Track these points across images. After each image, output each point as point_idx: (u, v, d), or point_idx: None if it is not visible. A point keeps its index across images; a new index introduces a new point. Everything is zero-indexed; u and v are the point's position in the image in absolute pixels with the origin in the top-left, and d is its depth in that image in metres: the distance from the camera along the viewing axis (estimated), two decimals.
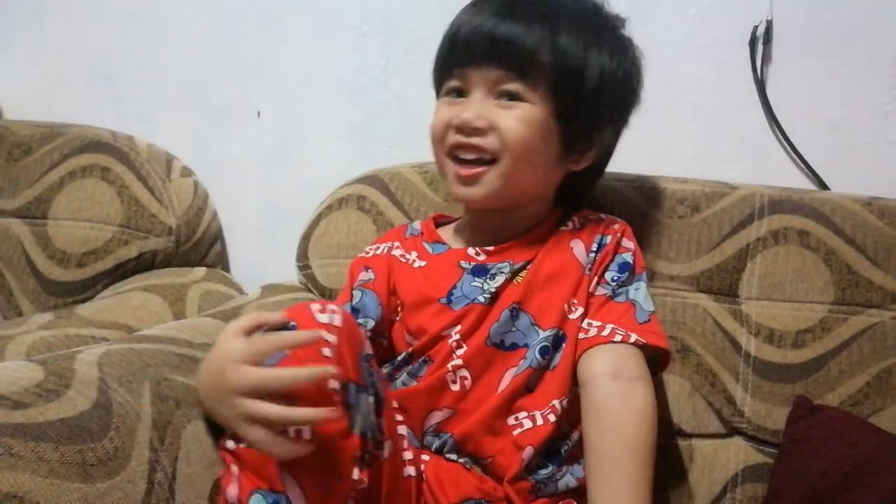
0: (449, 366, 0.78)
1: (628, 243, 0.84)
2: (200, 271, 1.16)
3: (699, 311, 0.92)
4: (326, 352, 0.62)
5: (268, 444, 0.60)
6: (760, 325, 0.90)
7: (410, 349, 0.81)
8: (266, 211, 1.27)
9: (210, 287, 1.13)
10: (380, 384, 0.69)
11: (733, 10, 1.06)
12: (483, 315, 0.79)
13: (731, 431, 0.90)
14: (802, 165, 1.06)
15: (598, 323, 0.78)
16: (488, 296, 0.79)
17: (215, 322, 0.88)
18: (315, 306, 0.65)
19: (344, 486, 0.63)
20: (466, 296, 0.80)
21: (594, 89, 0.80)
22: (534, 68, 0.78)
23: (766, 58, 1.05)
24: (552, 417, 0.76)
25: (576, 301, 0.80)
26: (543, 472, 0.76)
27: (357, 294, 0.85)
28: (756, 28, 1.05)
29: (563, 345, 0.78)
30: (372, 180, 1.05)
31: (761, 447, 0.89)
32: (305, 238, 1.05)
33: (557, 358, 0.78)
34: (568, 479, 0.77)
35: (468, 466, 0.77)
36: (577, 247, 0.82)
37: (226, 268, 1.29)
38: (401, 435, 0.75)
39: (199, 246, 1.19)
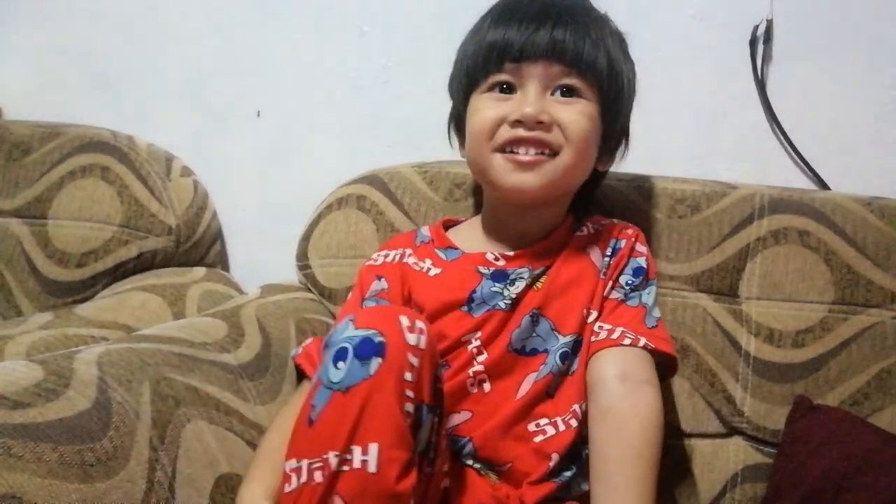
0: (470, 371, 0.78)
1: (642, 248, 0.85)
2: (200, 271, 1.16)
3: (699, 311, 0.92)
4: (408, 377, 0.62)
5: None
6: (760, 324, 0.90)
7: None
8: (266, 211, 1.27)
9: (210, 287, 1.12)
10: (444, 400, 0.69)
11: (733, 10, 1.06)
12: (504, 321, 0.79)
13: (731, 431, 0.90)
14: (803, 165, 1.06)
15: (609, 326, 0.79)
16: (509, 301, 0.80)
17: (215, 322, 0.88)
18: (405, 321, 0.64)
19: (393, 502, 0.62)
20: (486, 301, 0.80)
21: (628, 91, 0.83)
22: (592, 66, 0.79)
23: (767, 58, 1.05)
24: (574, 423, 0.76)
25: (591, 305, 0.80)
26: (567, 473, 0.76)
27: (371, 305, 0.85)
28: (756, 28, 1.05)
29: (582, 349, 0.79)
30: (372, 180, 1.05)
31: (761, 447, 0.89)
32: (305, 238, 1.05)
33: (576, 363, 0.78)
34: (584, 485, 0.77)
35: (482, 473, 0.77)
36: (594, 252, 0.83)
37: (225, 267, 1.29)
38: (445, 448, 0.74)
39: (199, 246, 1.19)
